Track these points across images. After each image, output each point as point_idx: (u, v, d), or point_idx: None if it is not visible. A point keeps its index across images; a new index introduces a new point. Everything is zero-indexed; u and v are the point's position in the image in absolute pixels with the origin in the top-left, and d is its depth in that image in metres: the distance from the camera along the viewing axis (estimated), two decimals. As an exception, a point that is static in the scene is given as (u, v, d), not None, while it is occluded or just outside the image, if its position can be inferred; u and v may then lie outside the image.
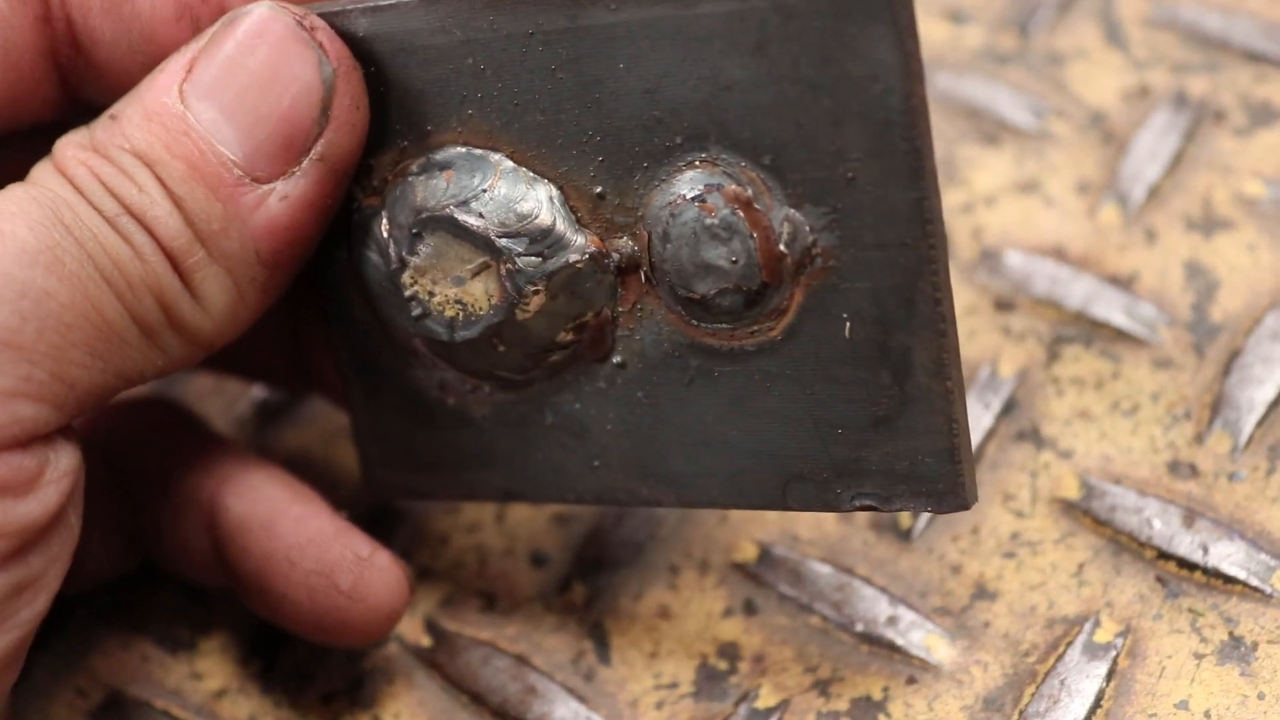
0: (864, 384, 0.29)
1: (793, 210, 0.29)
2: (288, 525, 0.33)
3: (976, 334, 0.39)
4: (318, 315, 0.34)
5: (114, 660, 0.36)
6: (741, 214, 0.29)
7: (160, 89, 0.30)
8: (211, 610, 0.37)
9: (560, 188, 0.31)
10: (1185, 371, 0.38)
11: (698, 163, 0.29)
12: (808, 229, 0.29)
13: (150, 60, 0.31)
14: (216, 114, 0.29)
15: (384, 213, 0.31)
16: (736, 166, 0.29)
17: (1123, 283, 0.39)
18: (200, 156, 0.29)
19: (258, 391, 0.41)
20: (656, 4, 0.28)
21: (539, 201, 0.30)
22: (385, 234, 0.31)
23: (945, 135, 0.43)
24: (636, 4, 0.28)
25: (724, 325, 0.30)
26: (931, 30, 0.46)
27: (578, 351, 0.31)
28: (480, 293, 0.31)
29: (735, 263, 0.29)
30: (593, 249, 0.30)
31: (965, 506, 0.30)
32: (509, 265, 0.30)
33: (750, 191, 0.29)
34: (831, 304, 0.29)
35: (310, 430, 0.40)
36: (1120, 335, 0.39)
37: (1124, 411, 0.37)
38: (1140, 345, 0.38)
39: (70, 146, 0.30)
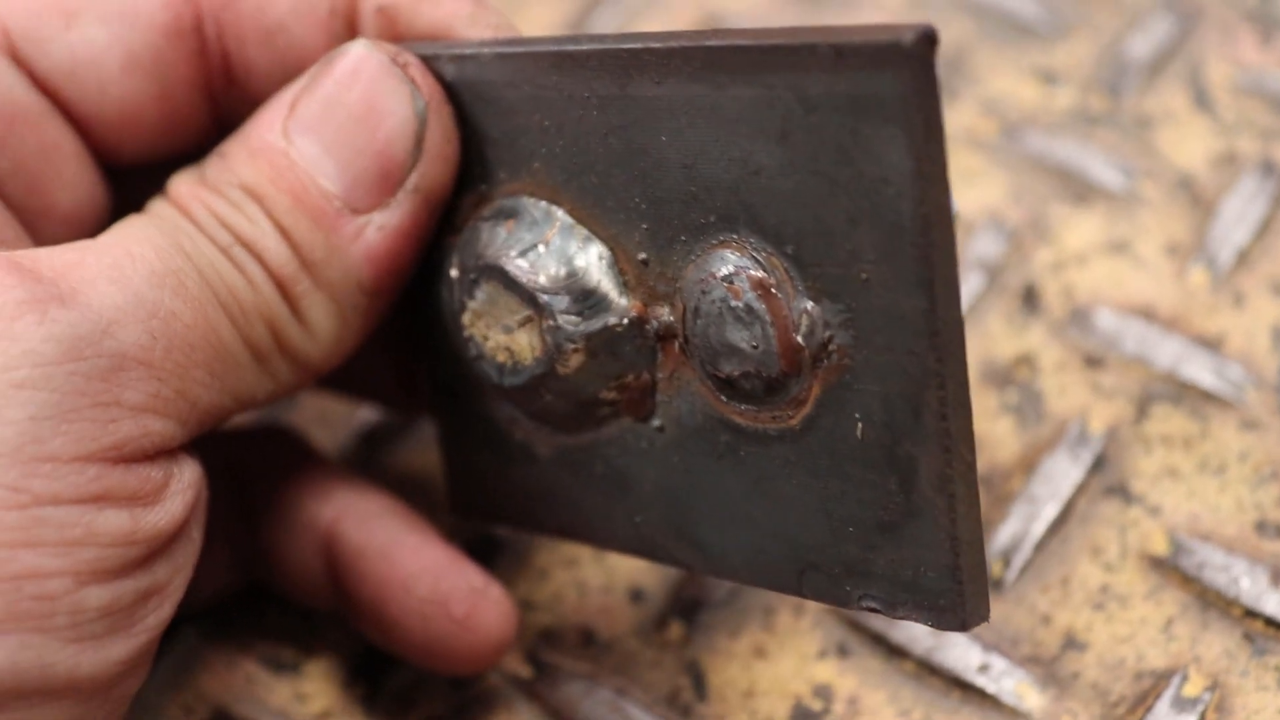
0: (873, 486, 0.28)
1: (811, 303, 0.28)
2: (405, 554, 0.34)
3: (1067, 390, 0.40)
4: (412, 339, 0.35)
5: (220, 679, 0.37)
6: (763, 301, 0.28)
7: (265, 126, 0.31)
8: (317, 633, 0.38)
9: (611, 249, 0.31)
10: (1272, 433, 0.39)
11: (730, 243, 0.29)
12: (824, 324, 0.28)
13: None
14: (317, 149, 0.31)
15: (455, 254, 0.32)
16: (763, 252, 0.28)
17: (1211, 344, 0.40)
18: (303, 189, 0.31)
19: (365, 415, 0.42)
20: (694, 82, 0.28)
21: (589, 261, 0.31)
22: (454, 274, 0.32)
23: (1037, 194, 0.44)
24: (677, 80, 0.28)
25: (749, 406, 0.29)
26: (1023, 90, 0.47)
27: (620, 409, 0.32)
28: (525, 344, 0.31)
29: (755, 348, 0.28)
30: (634, 314, 0.31)
31: (964, 627, 0.28)
32: (550, 321, 0.31)
33: (773, 279, 0.28)
34: (846, 401, 0.28)
35: (418, 455, 0.41)
36: (1208, 396, 0.39)
37: (1212, 471, 0.38)
38: (1228, 406, 0.39)
39: (184, 184, 0.32)
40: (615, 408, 0.32)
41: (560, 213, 0.31)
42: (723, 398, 0.30)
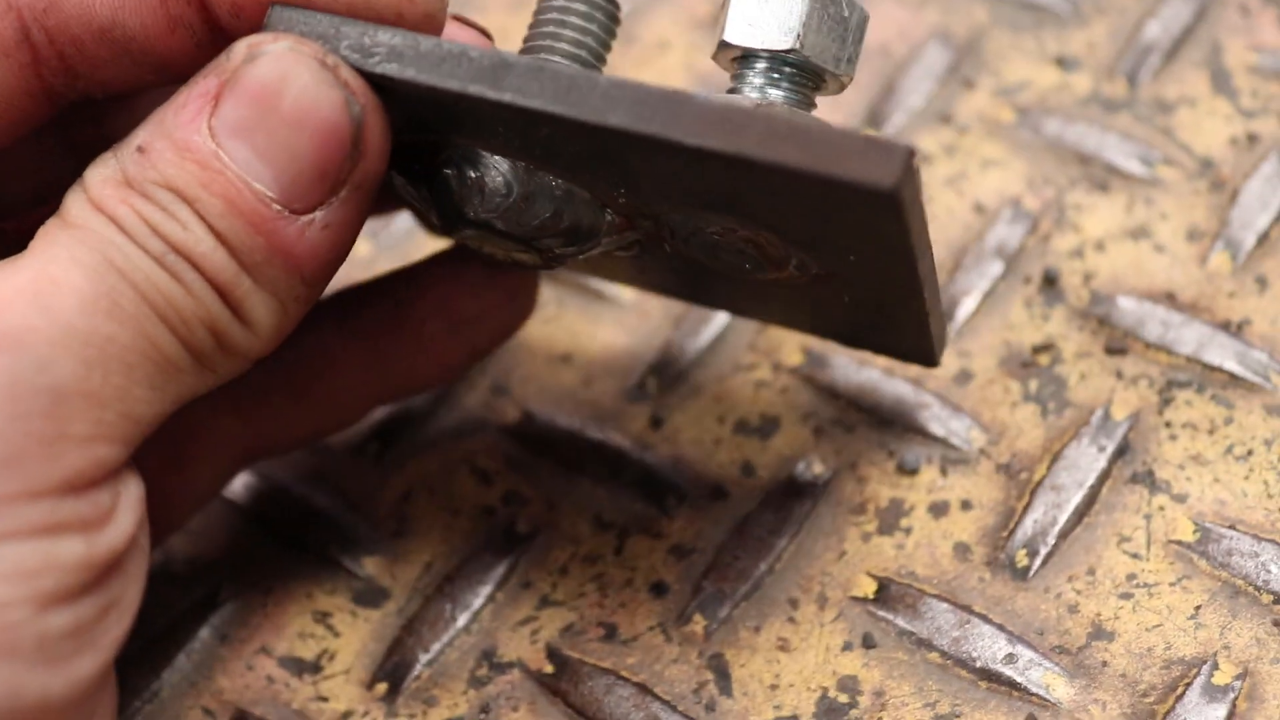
0: (859, 308, 0.35)
1: (799, 252, 0.33)
2: None
3: (1089, 377, 0.40)
4: None
5: (239, 681, 0.37)
6: (751, 244, 0.33)
7: (187, 123, 0.30)
8: (338, 634, 0.37)
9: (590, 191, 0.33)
10: (1298, 418, 0.38)
11: (713, 215, 0.32)
12: (813, 263, 0.33)
13: (155, 72, 0.32)
14: (250, 154, 0.30)
15: (421, 191, 0.34)
16: (749, 227, 0.32)
17: (1234, 329, 0.40)
18: (238, 194, 0.30)
19: (378, 412, 0.41)
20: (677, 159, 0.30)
21: (577, 211, 0.33)
22: (433, 219, 0.34)
23: (1055, 182, 0.43)
24: (665, 158, 0.30)
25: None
26: (1040, 76, 0.46)
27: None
28: (527, 256, 0.34)
29: (748, 267, 0.34)
30: (617, 222, 0.34)
31: (935, 364, 0.37)
32: (549, 253, 0.34)
33: (761, 236, 0.32)
34: (833, 287, 0.34)
35: (430, 457, 0.41)
36: (1233, 381, 0.39)
37: (1237, 457, 0.38)
38: (1253, 391, 0.39)
39: (105, 184, 0.30)
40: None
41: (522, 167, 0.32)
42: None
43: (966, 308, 0.41)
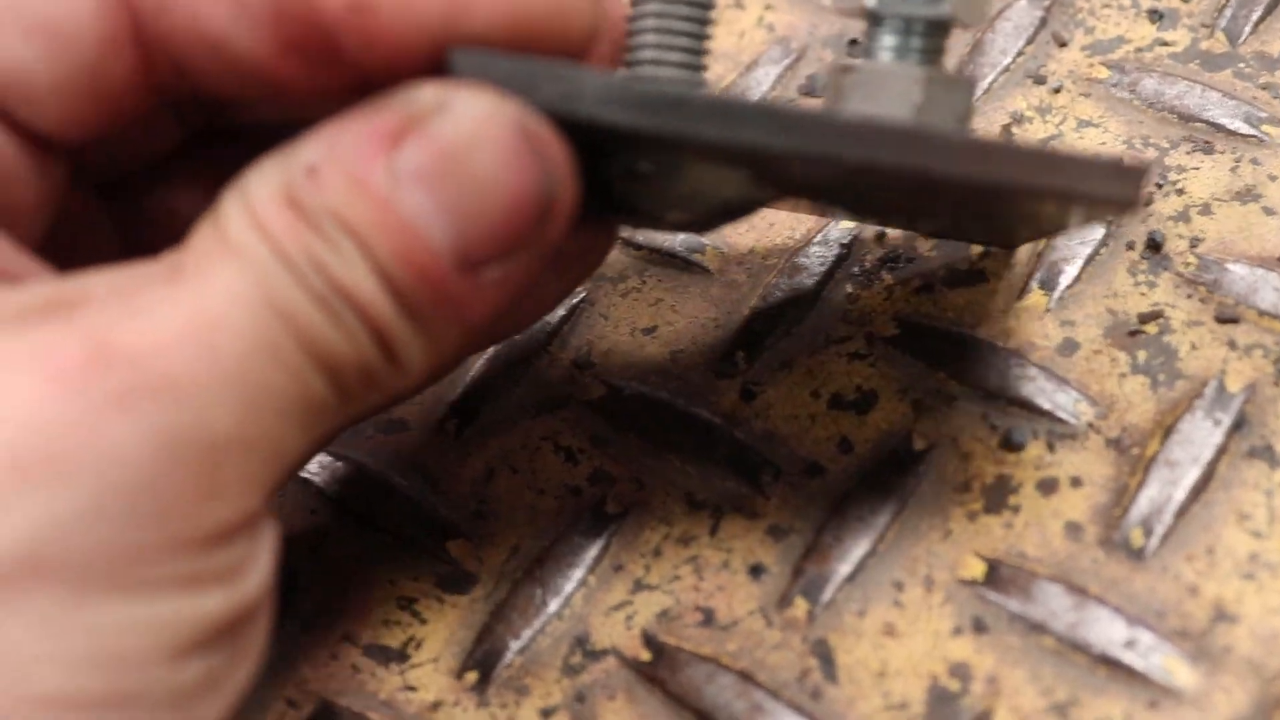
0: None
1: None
2: None
3: (1200, 347, 0.38)
4: None
5: (324, 670, 0.36)
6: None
7: (365, 157, 0.28)
8: (424, 620, 0.36)
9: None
10: None
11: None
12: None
13: (268, 93, 0.31)
14: (430, 206, 0.28)
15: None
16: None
17: (1350, 295, 0.38)
18: (411, 240, 0.28)
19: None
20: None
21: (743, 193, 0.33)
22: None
23: (1156, 143, 0.42)
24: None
25: None
26: (1135, 31, 0.44)
27: None
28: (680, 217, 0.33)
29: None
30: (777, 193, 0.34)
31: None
32: (704, 223, 0.34)
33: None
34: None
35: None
36: (1351, 349, 0.37)
37: (1360, 429, 0.36)
38: (1373, 360, 0.37)
39: (270, 201, 0.28)
40: None
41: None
42: None
43: (1068, 275, 0.40)
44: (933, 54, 0.32)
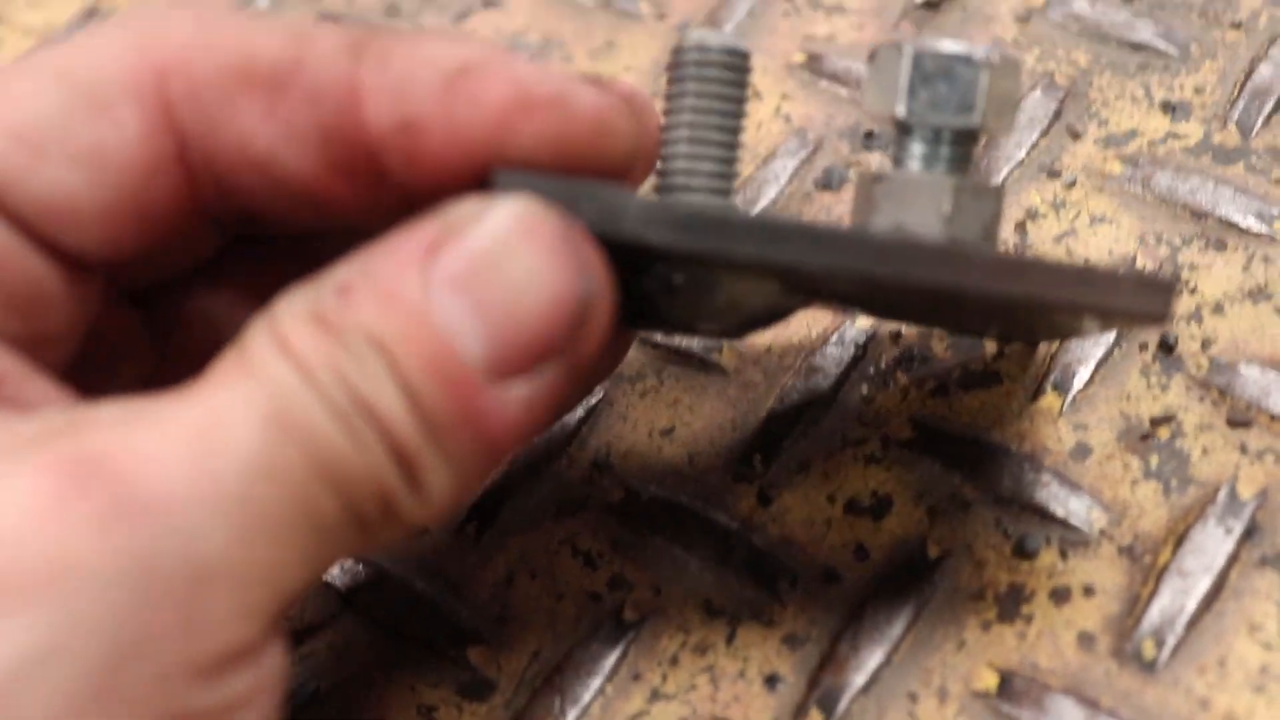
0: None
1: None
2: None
3: (1211, 452, 0.38)
4: None
5: (347, 779, 0.36)
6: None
7: (398, 269, 0.28)
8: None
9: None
10: None
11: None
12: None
13: (314, 212, 0.31)
14: (464, 312, 0.27)
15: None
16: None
17: (1362, 398, 0.38)
18: (441, 351, 0.27)
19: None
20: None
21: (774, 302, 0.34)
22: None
23: (1169, 240, 0.42)
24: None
25: None
26: (1148, 124, 0.45)
27: None
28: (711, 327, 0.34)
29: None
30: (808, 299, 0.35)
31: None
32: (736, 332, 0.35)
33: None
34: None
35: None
36: (1363, 455, 0.38)
37: (1371, 537, 0.36)
38: (1384, 466, 0.37)
39: (296, 320, 0.28)
40: None
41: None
42: None
43: (1081, 377, 0.40)
44: (961, 162, 0.33)
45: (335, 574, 0.40)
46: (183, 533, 0.25)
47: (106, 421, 0.27)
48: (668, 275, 0.32)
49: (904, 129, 0.33)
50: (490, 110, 0.29)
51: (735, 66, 0.32)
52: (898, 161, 0.33)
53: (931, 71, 0.32)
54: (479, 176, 0.30)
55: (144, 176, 0.30)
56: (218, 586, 0.26)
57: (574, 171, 0.30)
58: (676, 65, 0.32)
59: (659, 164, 0.33)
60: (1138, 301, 0.32)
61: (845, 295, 0.34)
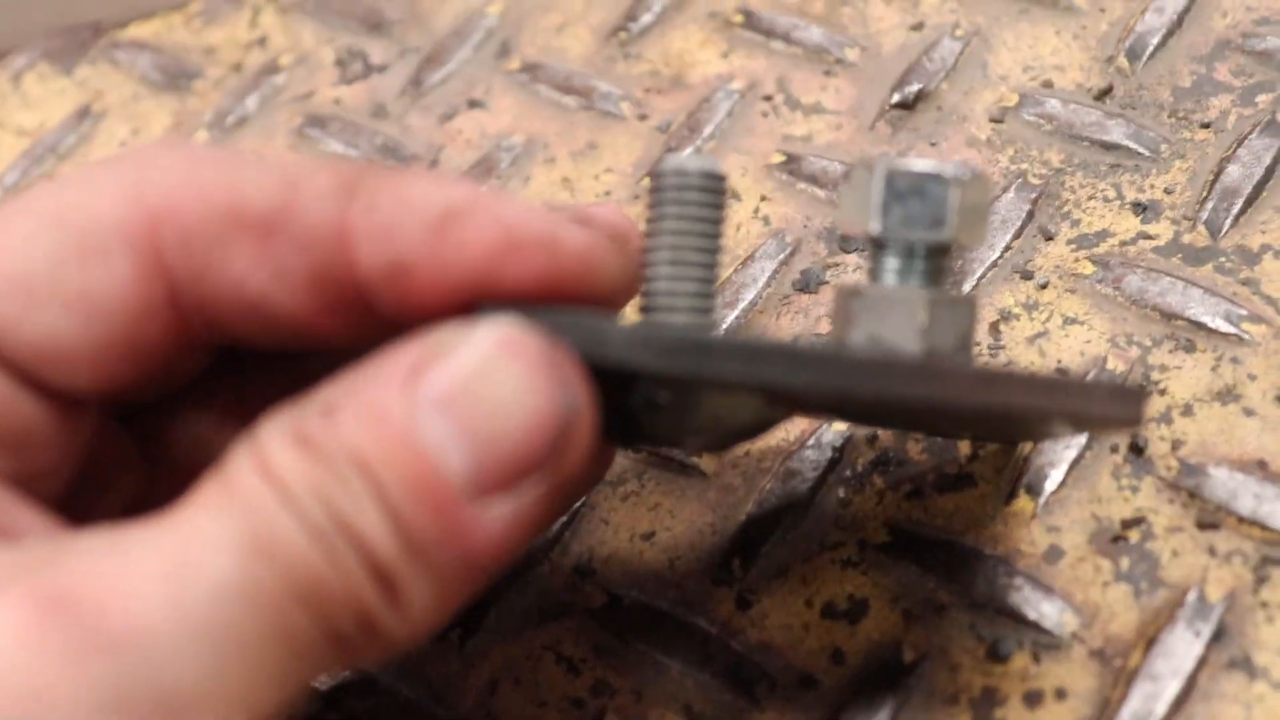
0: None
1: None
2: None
3: (1181, 554, 0.39)
4: None
5: None
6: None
7: (383, 388, 0.28)
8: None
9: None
10: (1399, 597, 0.37)
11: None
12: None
13: (303, 342, 0.32)
14: (448, 431, 0.28)
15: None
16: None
17: (1329, 500, 0.39)
18: (424, 469, 0.28)
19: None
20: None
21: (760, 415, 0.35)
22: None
23: (1139, 341, 0.43)
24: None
25: None
26: (1119, 224, 0.46)
27: None
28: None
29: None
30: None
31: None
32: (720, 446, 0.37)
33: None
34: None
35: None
36: (1329, 557, 0.38)
37: (1338, 639, 0.37)
38: (1351, 568, 0.38)
39: (280, 441, 0.28)
40: None
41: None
42: None
43: (1054, 479, 0.41)
44: (935, 274, 0.33)
45: (321, 679, 0.40)
46: (155, 663, 0.26)
47: (85, 552, 0.27)
48: (652, 394, 0.32)
49: (879, 244, 0.34)
50: (478, 252, 0.30)
51: (712, 189, 0.33)
52: (874, 275, 0.34)
53: (904, 189, 0.33)
54: (467, 311, 0.31)
55: (136, 320, 0.31)
56: (192, 714, 0.26)
57: (560, 303, 0.31)
58: (656, 189, 0.33)
59: (642, 285, 0.33)
60: (1110, 409, 0.33)
61: (826, 408, 0.35)
